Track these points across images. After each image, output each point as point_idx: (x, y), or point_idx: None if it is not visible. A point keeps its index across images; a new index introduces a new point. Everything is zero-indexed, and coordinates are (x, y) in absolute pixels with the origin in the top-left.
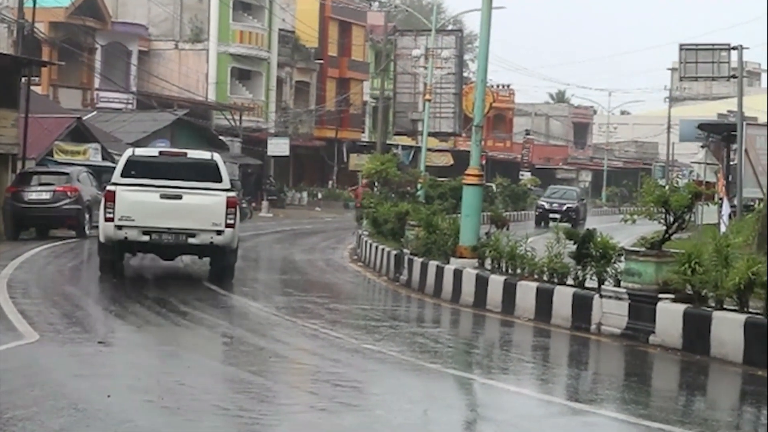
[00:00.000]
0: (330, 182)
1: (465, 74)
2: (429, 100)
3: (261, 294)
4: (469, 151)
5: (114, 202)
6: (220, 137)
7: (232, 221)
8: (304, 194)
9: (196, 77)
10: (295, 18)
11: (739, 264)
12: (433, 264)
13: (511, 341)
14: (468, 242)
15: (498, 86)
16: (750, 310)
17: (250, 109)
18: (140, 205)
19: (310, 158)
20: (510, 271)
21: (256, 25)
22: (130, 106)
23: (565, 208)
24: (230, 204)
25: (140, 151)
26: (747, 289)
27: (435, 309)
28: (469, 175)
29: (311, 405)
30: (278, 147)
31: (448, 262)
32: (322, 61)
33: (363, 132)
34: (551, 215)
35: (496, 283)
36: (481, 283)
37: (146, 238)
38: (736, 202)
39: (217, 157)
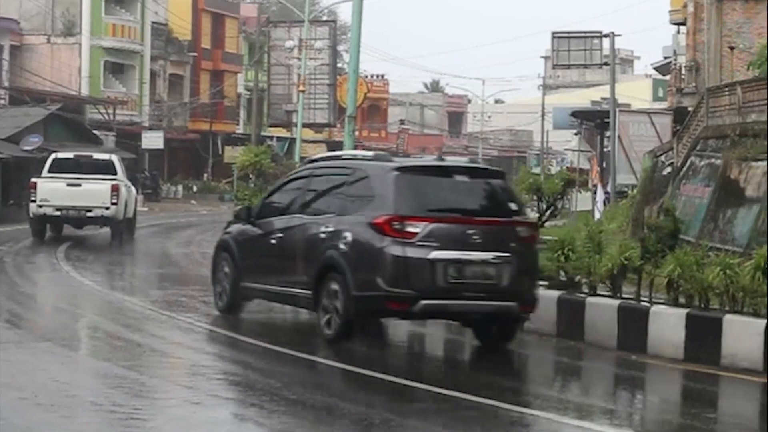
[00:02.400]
0: (205, 175)
1: (339, 65)
2: (303, 92)
3: (136, 288)
4: (343, 142)
5: (36, 189)
6: (94, 131)
7: (115, 201)
8: (180, 187)
9: (69, 71)
10: (167, 11)
11: (612, 250)
12: None
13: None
14: None
15: (372, 76)
16: (623, 295)
17: (123, 102)
18: (53, 191)
19: (185, 151)
20: None
21: (128, 19)
22: (2, 102)
23: None
24: (113, 189)
25: (60, 155)
26: (620, 274)
27: None
28: None
29: (186, 399)
30: (152, 140)
31: None
32: (195, 54)
33: (237, 124)
34: None
35: None
36: None
37: (58, 213)
38: (609, 188)
39: (114, 157)
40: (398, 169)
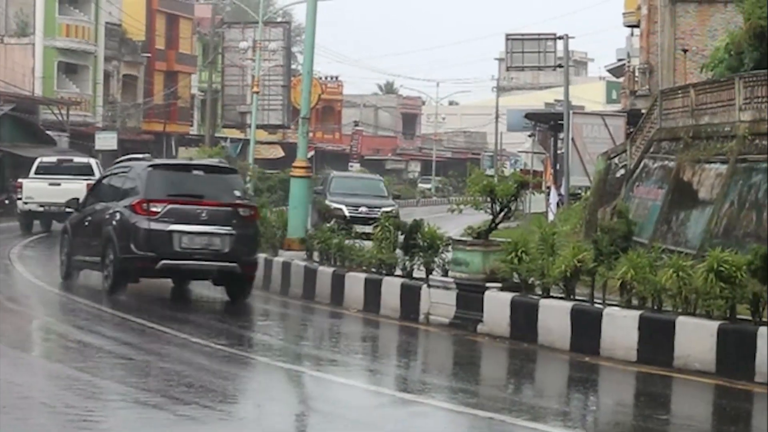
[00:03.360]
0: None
1: (293, 66)
2: (257, 93)
3: (89, 290)
4: (297, 143)
5: (22, 189)
6: (47, 132)
7: None
8: None
9: (23, 71)
10: (121, 11)
11: (565, 252)
12: (261, 257)
13: (339, 333)
14: (296, 234)
15: (326, 78)
16: (576, 297)
17: (77, 103)
18: (37, 190)
19: (139, 152)
20: (338, 262)
21: (82, 19)
22: None
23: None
24: (88, 187)
25: (45, 159)
26: (573, 276)
27: (264, 301)
28: (296, 167)
29: (138, 400)
30: (106, 141)
31: (276, 255)
32: (149, 55)
33: (191, 125)
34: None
35: (324, 274)
36: (310, 275)
37: (41, 209)
38: (563, 190)
39: (92, 161)
40: (150, 166)
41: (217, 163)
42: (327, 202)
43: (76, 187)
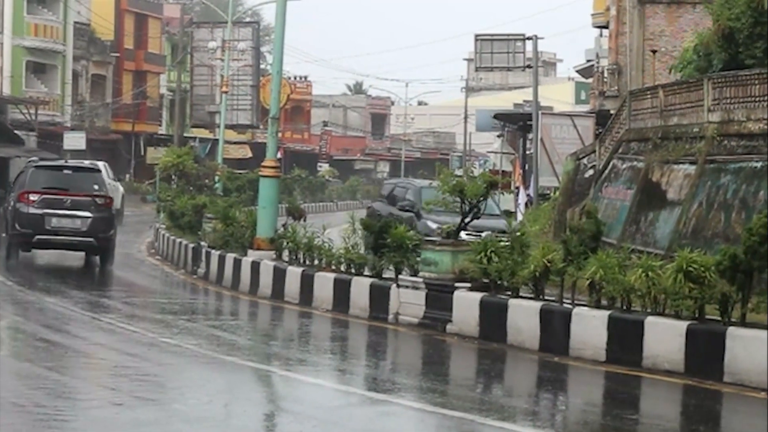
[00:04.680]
0: (127, 176)
1: (262, 66)
2: (226, 93)
3: (57, 289)
4: (266, 143)
5: None
6: (16, 131)
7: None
8: None
9: None
10: (90, 11)
11: (534, 252)
12: (230, 256)
13: (308, 332)
14: (265, 234)
15: (295, 78)
16: (546, 297)
17: (45, 102)
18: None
19: (107, 152)
20: (308, 262)
21: (51, 18)
22: None
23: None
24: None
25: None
26: (542, 276)
27: (233, 302)
28: (265, 167)
29: (108, 400)
30: (74, 141)
31: (245, 255)
32: (118, 54)
33: (160, 125)
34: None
35: (293, 274)
36: (279, 275)
37: None
38: (531, 191)
39: (100, 164)
40: (34, 167)
41: (82, 164)
42: (428, 223)
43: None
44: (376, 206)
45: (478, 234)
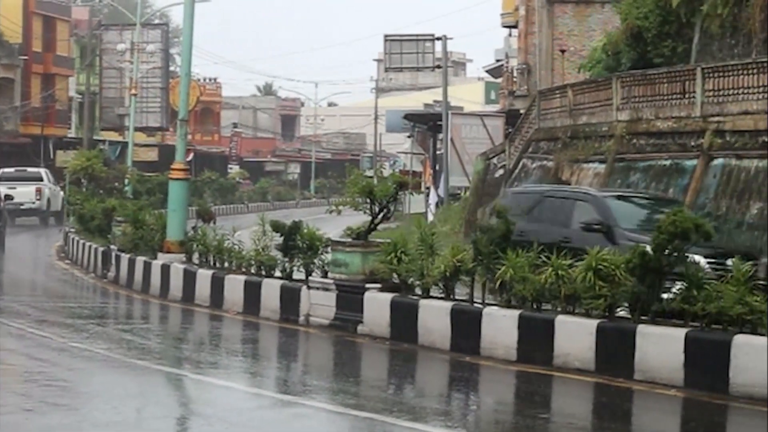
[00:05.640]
0: None
1: (172, 68)
2: (135, 95)
3: None
4: (176, 146)
5: None
6: None
7: (39, 198)
8: None
9: None
10: None
11: (444, 252)
12: (140, 260)
13: (219, 335)
14: (175, 237)
15: (205, 80)
16: (456, 297)
17: None
18: None
19: (16, 155)
20: (218, 265)
21: None
22: None
23: None
24: (37, 191)
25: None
26: (453, 276)
27: (143, 305)
28: (174, 169)
29: (18, 406)
30: None
31: (155, 258)
32: (26, 57)
33: (70, 128)
34: None
35: (204, 277)
36: (189, 278)
37: None
38: (441, 191)
39: (42, 170)
40: None
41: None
42: (625, 242)
43: (28, 190)
44: (522, 227)
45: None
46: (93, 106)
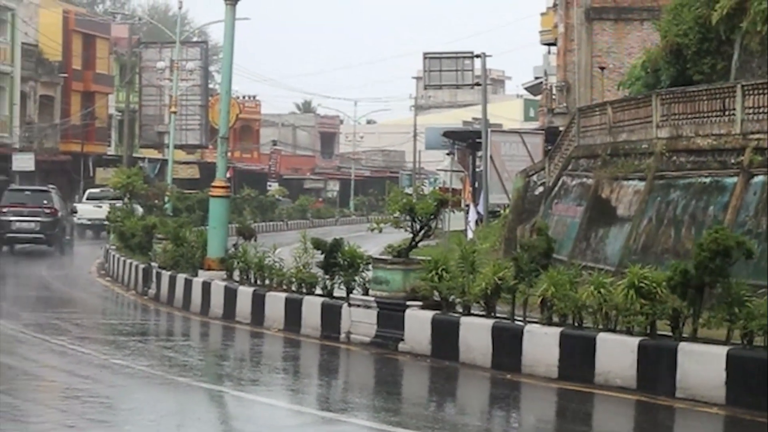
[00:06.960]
0: (77, 196)
1: (211, 86)
2: (175, 113)
3: (7, 311)
4: (216, 163)
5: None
6: None
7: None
8: None
9: None
10: (38, 31)
11: (485, 269)
12: (181, 277)
13: (260, 352)
14: (215, 254)
15: (244, 97)
16: (497, 314)
17: None
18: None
19: (57, 173)
20: (258, 282)
21: None
22: None
23: None
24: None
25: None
26: (494, 294)
27: (184, 322)
28: (215, 186)
29: (60, 422)
30: (23, 162)
31: (196, 275)
32: (66, 75)
33: (109, 145)
34: None
35: (244, 294)
36: (230, 295)
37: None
38: (481, 208)
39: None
40: (8, 190)
41: (40, 188)
42: None
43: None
44: None
45: None
46: (132, 123)
